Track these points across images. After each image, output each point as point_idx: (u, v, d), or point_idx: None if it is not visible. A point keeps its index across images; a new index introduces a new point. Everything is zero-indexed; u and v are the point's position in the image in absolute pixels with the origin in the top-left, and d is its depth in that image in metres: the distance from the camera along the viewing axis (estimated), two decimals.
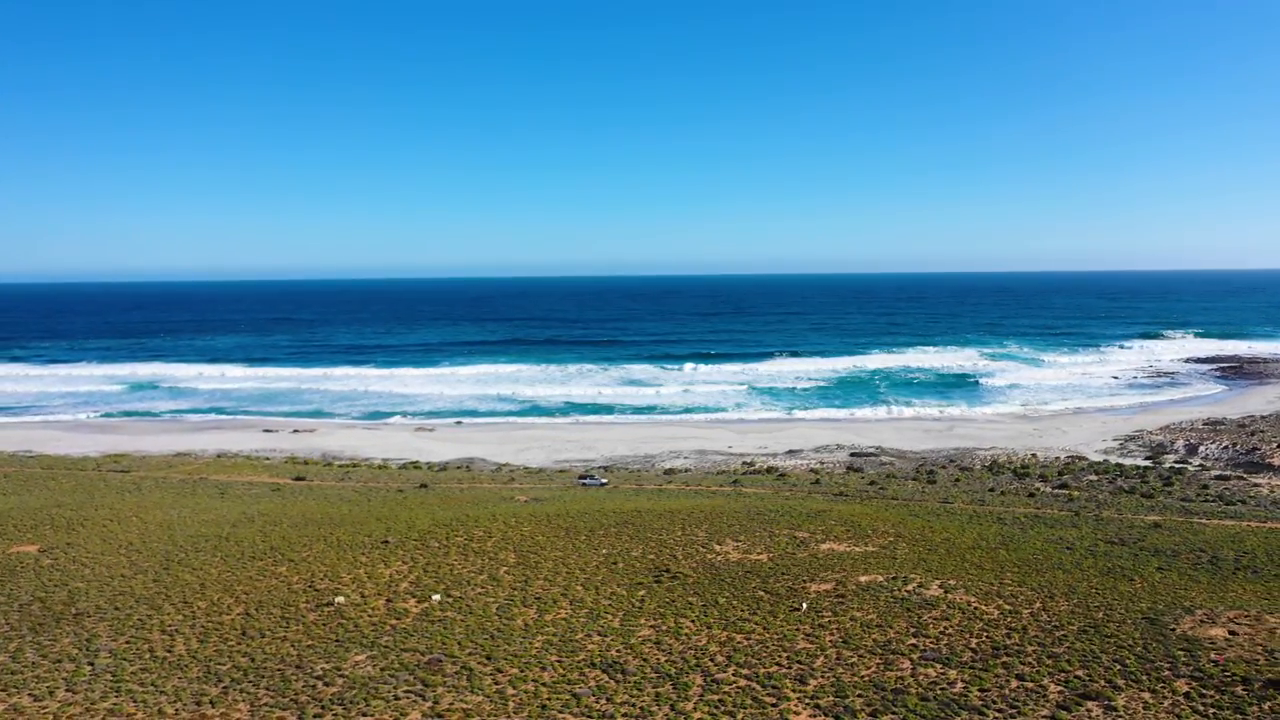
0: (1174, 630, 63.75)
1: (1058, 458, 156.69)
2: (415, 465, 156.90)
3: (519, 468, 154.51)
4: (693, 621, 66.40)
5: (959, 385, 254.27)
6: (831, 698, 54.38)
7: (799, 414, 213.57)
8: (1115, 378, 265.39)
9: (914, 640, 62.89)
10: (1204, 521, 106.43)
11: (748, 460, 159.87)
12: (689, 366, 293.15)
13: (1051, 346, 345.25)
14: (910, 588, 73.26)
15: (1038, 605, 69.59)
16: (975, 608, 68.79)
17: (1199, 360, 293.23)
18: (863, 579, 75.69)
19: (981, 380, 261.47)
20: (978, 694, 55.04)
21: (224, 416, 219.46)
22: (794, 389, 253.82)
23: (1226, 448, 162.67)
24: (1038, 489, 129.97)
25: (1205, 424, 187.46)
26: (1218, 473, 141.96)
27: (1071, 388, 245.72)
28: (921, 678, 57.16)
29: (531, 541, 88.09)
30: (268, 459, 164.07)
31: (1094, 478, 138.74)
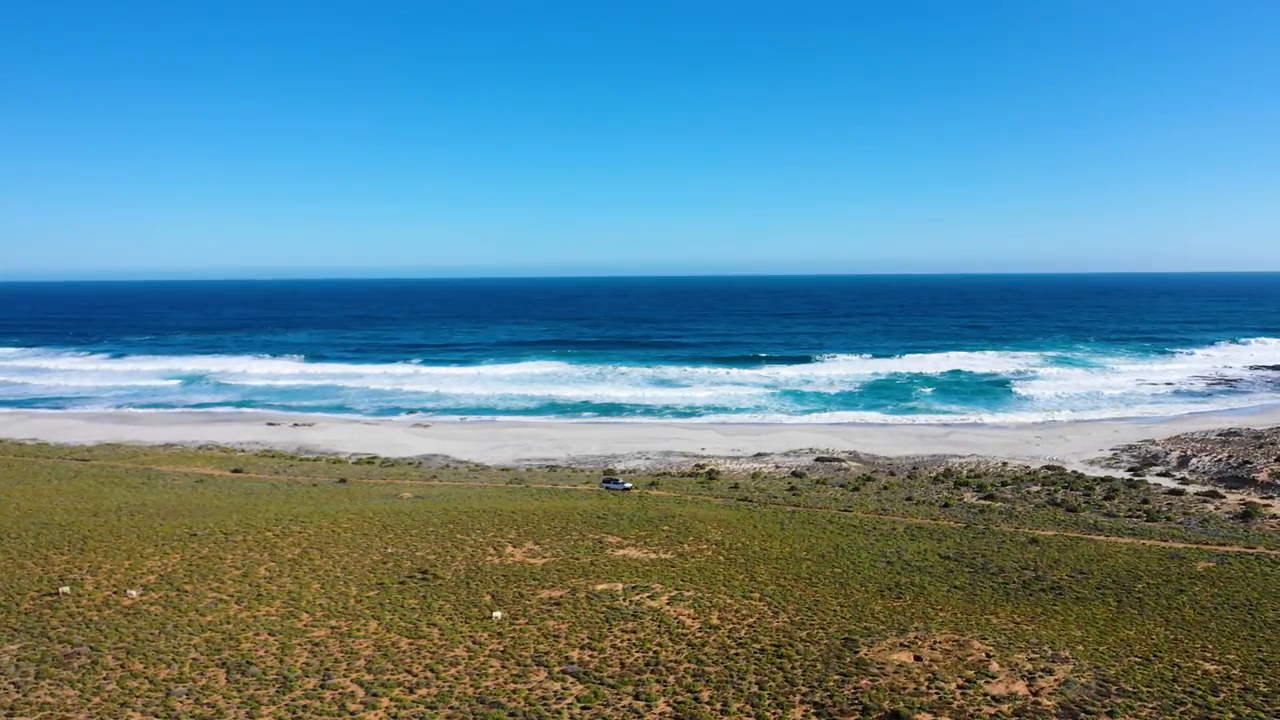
0: (859, 653, 59.29)
1: (1026, 467, 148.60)
2: (369, 460, 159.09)
3: (467, 464, 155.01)
4: (382, 624, 65.23)
5: (996, 390, 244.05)
6: (422, 708, 52.55)
7: (807, 418, 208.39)
8: (1169, 384, 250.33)
9: (578, 652, 60.25)
10: (1095, 538, 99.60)
11: (702, 462, 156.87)
12: (725, 369, 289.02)
13: (1124, 351, 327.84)
14: (636, 598, 70.31)
15: (753, 621, 65.82)
16: (680, 621, 65.48)
17: (1272, 367, 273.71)
18: (600, 587, 72.99)
19: (1024, 385, 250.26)
20: (577, 710, 52.36)
21: (244, 409, 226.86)
22: (822, 392, 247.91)
23: (1220, 460, 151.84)
24: (960, 499, 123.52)
25: (1219, 435, 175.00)
26: (1181, 487, 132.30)
27: (1114, 395, 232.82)
28: (539, 691, 54.75)
29: (332, 538, 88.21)
30: (241, 451, 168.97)
31: (1036, 489, 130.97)
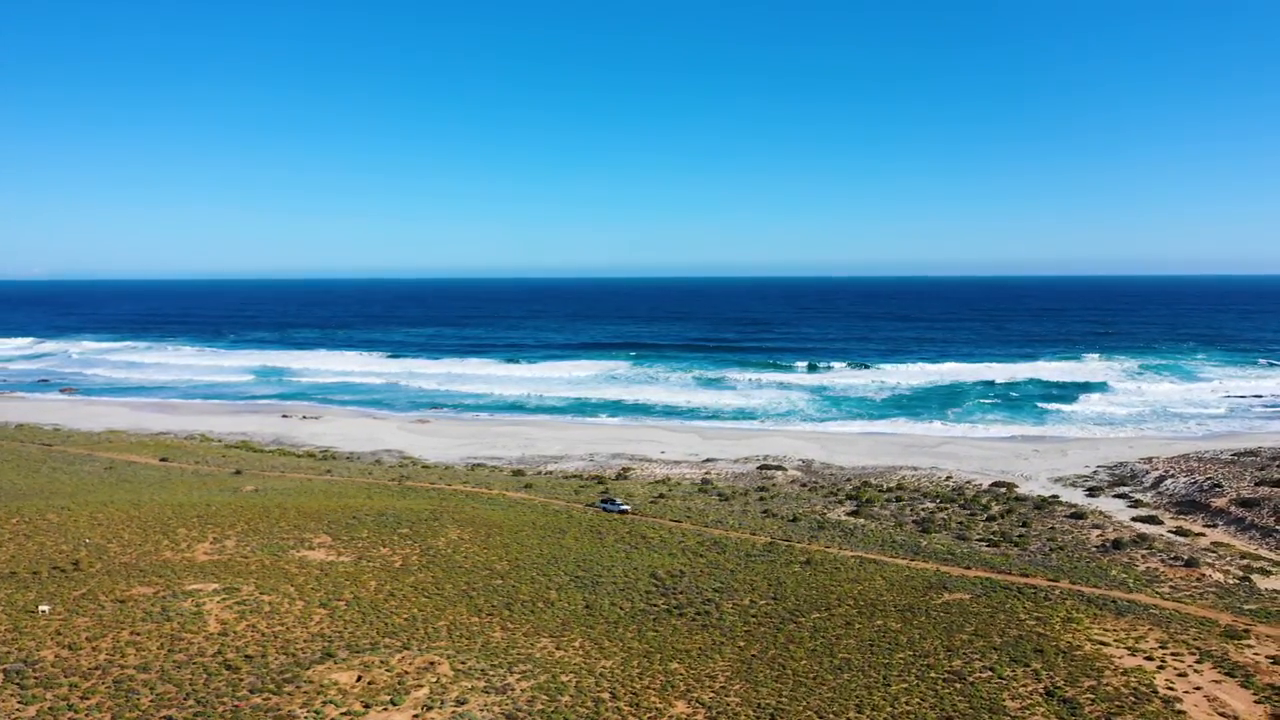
0: (308, 670, 55.65)
1: (968, 483, 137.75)
2: (313, 454, 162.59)
3: (403, 460, 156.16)
4: None
5: (1051, 400, 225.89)
6: None
7: (818, 425, 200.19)
8: (1258, 397, 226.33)
9: (53, 652, 58.88)
10: (887, 561, 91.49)
11: (632, 465, 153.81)
12: (780, 374, 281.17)
13: (1241, 361, 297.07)
14: (205, 600, 68.25)
15: (282, 629, 62.87)
16: (206, 623, 63.11)
17: None
18: (191, 586, 71.24)
19: (1086, 396, 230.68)
20: None
21: (280, 402, 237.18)
22: (867, 398, 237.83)
23: (1194, 483, 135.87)
24: (824, 514, 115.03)
25: (1232, 454, 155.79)
26: (1101, 509, 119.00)
27: (1182, 409, 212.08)
28: None
29: (61, 528, 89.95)
30: (219, 441, 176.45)
31: (929, 505, 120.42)
